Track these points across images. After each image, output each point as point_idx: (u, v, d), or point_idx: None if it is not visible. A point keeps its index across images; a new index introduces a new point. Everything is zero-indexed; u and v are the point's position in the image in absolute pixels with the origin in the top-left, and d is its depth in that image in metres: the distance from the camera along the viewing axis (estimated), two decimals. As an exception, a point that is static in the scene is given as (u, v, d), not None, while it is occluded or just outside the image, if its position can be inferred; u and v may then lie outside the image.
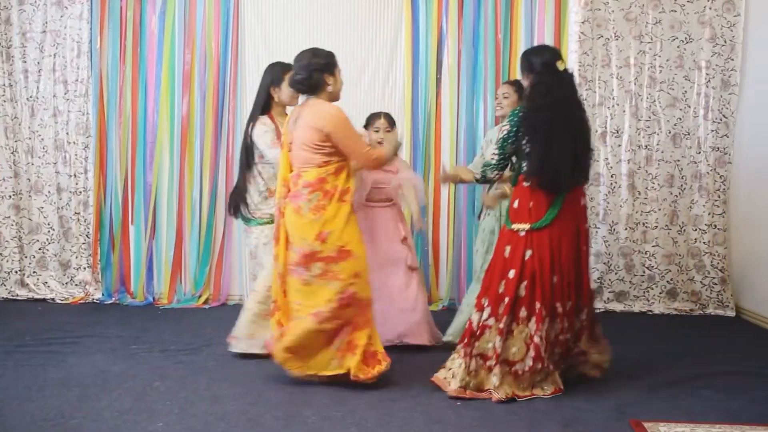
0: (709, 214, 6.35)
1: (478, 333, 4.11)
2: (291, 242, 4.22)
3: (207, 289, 6.44)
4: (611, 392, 4.18)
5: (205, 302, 6.39)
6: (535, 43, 6.22)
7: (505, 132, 4.17)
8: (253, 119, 4.79)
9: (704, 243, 6.37)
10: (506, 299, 4.05)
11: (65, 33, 6.41)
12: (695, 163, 6.36)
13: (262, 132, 4.72)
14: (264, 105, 4.82)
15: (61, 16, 6.41)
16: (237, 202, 4.88)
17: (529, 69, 4.20)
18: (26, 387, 4.15)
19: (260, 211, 4.83)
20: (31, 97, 6.48)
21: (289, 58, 6.19)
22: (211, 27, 6.37)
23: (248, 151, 4.81)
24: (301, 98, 4.37)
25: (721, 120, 6.31)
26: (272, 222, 4.57)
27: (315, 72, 4.19)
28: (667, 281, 6.41)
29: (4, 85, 6.45)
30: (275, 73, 4.80)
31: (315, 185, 4.15)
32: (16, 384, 4.21)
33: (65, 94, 6.44)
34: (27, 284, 6.55)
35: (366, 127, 5.15)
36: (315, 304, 4.15)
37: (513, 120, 4.15)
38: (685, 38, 6.29)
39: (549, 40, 6.23)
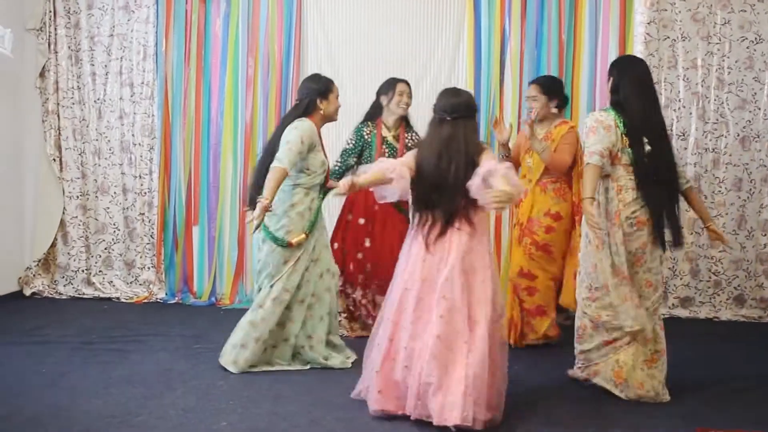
0: (779, 218, 6.20)
1: None
2: None
3: (268, 290, 6.46)
4: (678, 399, 4.11)
5: (266, 303, 6.41)
6: (600, 45, 6.14)
7: None
8: None
9: (774, 249, 6.21)
10: None
11: (132, 36, 6.53)
12: (765, 166, 6.19)
13: None
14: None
15: (128, 20, 6.53)
16: None
17: None
18: (92, 384, 4.24)
19: None
20: (98, 99, 6.61)
21: (350, 62, 6.33)
22: (274, 30, 6.41)
23: None
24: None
25: (792, 122, 6.15)
26: None
27: None
28: (735, 287, 6.24)
29: (72, 87, 6.60)
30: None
31: None
32: (83, 381, 4.29)
33: (131, 96, 6.56)
34: (93, 283, 6.67)
35: None
36: None
37: None
38: (756, 38, 6.13)
39: (614, 41, 6.13)
